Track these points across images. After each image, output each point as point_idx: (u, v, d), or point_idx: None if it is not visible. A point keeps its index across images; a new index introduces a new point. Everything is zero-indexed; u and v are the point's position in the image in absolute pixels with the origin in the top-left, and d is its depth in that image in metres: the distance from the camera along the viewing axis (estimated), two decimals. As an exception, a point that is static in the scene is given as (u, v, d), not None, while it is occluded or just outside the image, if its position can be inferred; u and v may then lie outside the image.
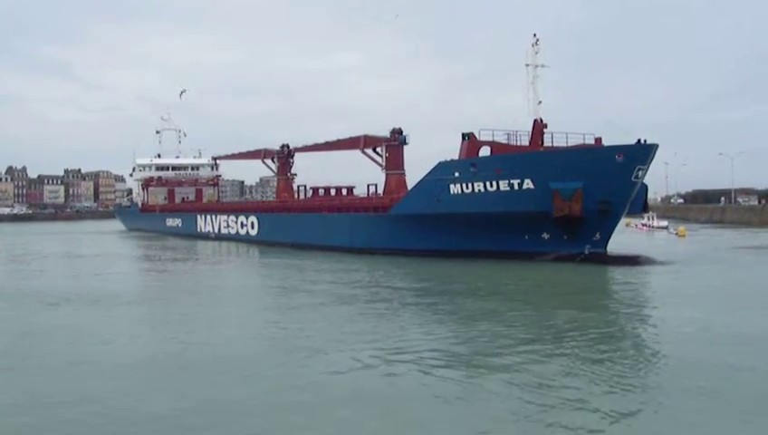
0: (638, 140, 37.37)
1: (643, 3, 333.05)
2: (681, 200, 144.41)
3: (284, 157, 77.74)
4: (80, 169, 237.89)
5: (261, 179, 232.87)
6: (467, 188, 40.58)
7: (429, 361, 15.75)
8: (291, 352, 16.94)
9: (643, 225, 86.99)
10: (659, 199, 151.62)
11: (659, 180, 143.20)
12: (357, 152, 61.05)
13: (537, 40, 42.98)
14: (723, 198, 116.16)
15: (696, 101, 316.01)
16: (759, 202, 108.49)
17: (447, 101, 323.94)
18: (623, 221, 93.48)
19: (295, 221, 61.15)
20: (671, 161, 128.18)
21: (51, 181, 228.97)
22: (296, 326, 20.74)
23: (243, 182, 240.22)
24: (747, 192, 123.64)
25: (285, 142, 77.29)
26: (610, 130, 78.32)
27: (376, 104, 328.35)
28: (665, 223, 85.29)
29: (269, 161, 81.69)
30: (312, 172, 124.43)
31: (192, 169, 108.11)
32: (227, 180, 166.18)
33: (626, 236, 68.36)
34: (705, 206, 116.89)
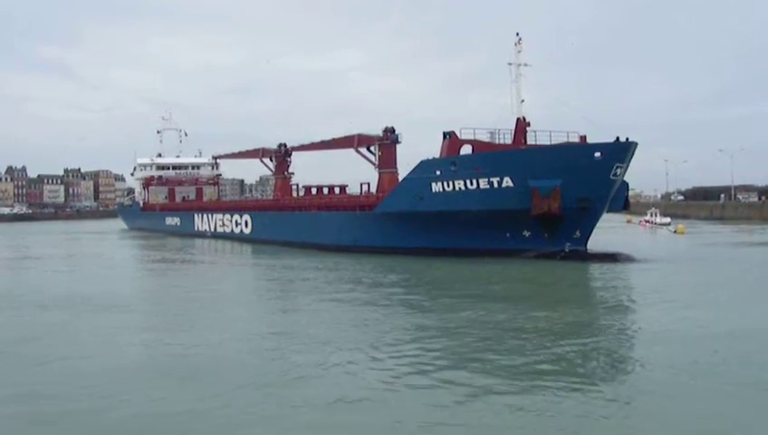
0: (617, 138, 37.50)
1: (646, 0, 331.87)
2: (681, 197, 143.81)
3: (282, 156, 77.97)
4: (79, 169, 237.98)
5: (261, 178, 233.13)
6: (448, 186, 40.84)
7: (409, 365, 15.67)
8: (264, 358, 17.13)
9: (646, 221, 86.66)
10: (659, 196, 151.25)
11: (659, 177, 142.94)
12: (353, 151, 61.40)
13: (520, 39, 43.18)
14: (722, 195, 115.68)
15: (697, 97, 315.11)
16: (759, 199, 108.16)
17: (450, 100, 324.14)
18: (623, 218, 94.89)
19: (286, 220, 61.62)
20: (671, 159, 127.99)
21: (51, 181, 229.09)
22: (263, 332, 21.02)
23: (243, 181, 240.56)
24: (747, 189, 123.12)
25: (283, 141, 77.87)
26: (605, 131, 78.31)
27: (378, 103, 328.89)
28: (667, 220, 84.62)
29: (267, 160, 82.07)
30: (310, 171, 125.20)
31: (192, 168, 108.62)
32: (227, 179, 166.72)
33: (625, 234, 68.88)
34: (704, 203, 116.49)
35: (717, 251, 46.48)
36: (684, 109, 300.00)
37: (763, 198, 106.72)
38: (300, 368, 15.41)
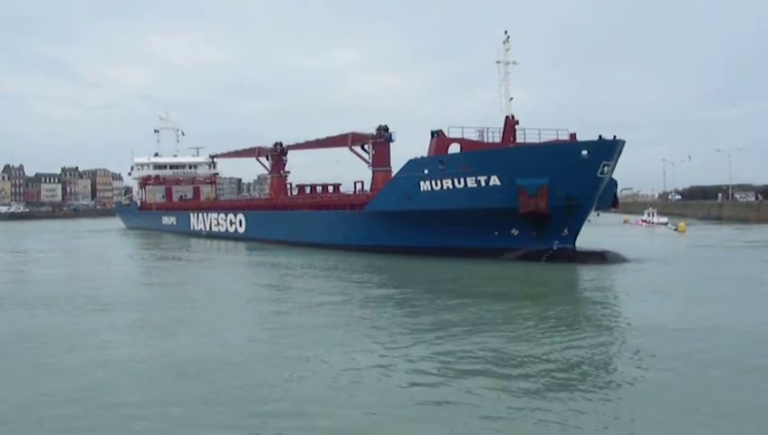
0: (599, 137, 37.45)
1: (647, 0, 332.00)
2: (679, 197, 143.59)
3: (277, 154, 78.05)
4: (77, 167, 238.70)
5: (258, 177, 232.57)
6: (436, 185, 40.77)
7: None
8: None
9: (643, 221, 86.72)
10: (657, 196, 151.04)
11: (657, 177, 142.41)
12: (348, 149, 61.37)
13: (508, 37, 43.09)
14: (720, 195, 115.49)
15: (695, 97, 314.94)
16: (756, 198, 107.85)
17: (450, 98, 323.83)
18: (621, 218, 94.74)
19: (279, 219, 61.86)
20: (668, 158, 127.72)
21: (48, 179, 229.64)
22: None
23: (240, 180, 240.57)
24: (744, 188, 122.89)
25: (278, 140, 77.87)
26: (602, 129, 77.90)
27: (377, 101, 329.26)
28: (665, 219, 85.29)
29: (263, 159, 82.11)
30: (307, 170, 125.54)
31: (190, 167, 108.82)
32: (225, 178, 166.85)
33: (622, 233, 68.72)
34: (702, 202, 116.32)
35: (714, 251, 46.01)
36: (681, 108, 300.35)
37: (761, 197, 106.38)
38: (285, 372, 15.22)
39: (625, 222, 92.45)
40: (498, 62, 42.75)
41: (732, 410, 12.10)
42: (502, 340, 17.78)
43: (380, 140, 58.30)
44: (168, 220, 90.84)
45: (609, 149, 37.50)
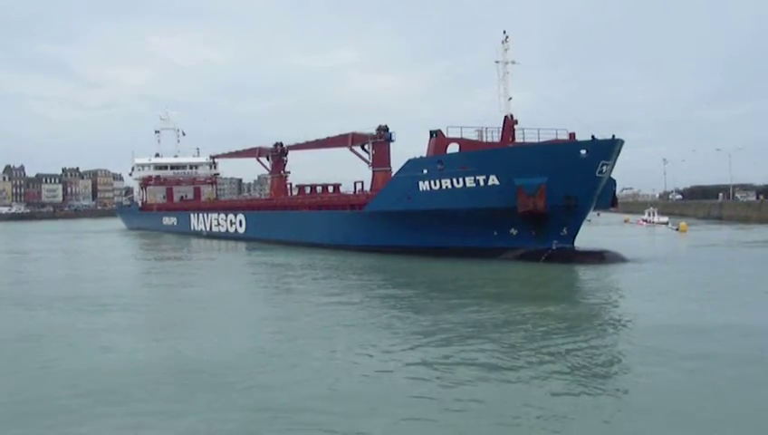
0: (592, 137, 37.46)
1: (647, 0, 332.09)
2: (679, 196, 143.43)
3: (278, 155, 78.12)
4: (78, 168, 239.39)
5: (259, 177, 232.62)
6: (435, 184, 40.81)
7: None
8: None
9: (643, 220, 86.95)
10: (657, 195, 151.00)
11: (658, 176, 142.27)
12: (348, 150, 61.44)
13: (507, 37, 43.04)
14: (721, 195, 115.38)
15: (695, 97, 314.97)
16: (757, 198, 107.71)
17: (451, 98, 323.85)
18: (621, 217, 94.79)
19: (279, 219, 62.02)
20: (669, 157, 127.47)
21: (49, 180, 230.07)
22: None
23: (240, 180, 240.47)
24: (745, 188, 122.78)
25: (279, 140, 77.93)
26: (601, 129, 77.88)
27: (378, 101, 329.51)
28: (665, 219, 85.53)
29: (264, 159, 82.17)
30: (307, 170, 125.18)
31: (190, 167, 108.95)
32: (226, 178, 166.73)
33: (623, 233, 68.70)
34: (703, 202, 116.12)
35: (715, 251, 45.93)
36: (682, 108, 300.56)
37: (761, 197, 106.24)
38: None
39: (626, 222, 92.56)
40: (497, 61, 42.77)
41: (735, 411, 12.12)
42: (504, 340, 17.83)
43: (380, 140, 58.39)
44: (169, 221, 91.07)
45: (607, 149, 37.49)
